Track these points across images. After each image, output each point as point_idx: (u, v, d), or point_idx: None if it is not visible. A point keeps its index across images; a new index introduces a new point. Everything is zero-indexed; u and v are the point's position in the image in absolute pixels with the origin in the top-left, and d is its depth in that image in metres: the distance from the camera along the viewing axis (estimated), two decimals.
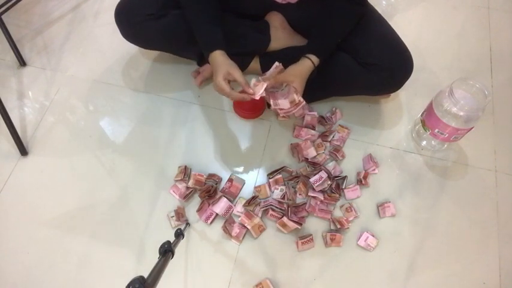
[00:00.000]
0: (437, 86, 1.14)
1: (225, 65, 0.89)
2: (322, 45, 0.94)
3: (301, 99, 0.89)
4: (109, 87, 1.18)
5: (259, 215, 0.96)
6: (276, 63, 0.94)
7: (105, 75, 1.20)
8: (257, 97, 0.88)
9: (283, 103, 0.90)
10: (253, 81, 0.91)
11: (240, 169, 1.04)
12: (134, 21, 1.00)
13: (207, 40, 0.93)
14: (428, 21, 1.33)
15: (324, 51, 0.93)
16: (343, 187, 1.00)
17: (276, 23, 1.06)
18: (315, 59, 0.91)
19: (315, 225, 0.97)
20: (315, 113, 1.09)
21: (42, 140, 1.10)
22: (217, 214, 0.96)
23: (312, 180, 0.96)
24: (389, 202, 0.98)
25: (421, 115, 1.03)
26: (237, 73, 0.89)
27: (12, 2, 1.23)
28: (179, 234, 0.79)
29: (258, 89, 0.88)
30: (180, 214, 0.96)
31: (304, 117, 1.09)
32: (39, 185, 1.03)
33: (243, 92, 0.90)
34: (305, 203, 0.97)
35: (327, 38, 0.94)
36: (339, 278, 0.91)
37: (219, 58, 0.90)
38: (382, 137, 1.09)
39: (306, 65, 0.91)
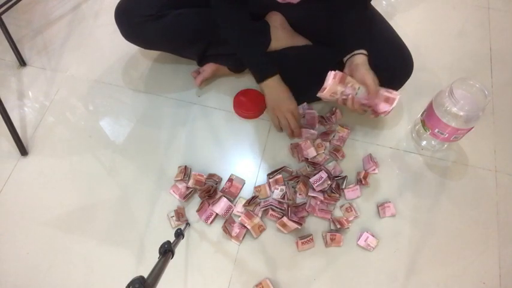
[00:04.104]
0: (437, 86, 1.14)
1: (290, 97, 0.99)
2: (361, 37, 0.93)
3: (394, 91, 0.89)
4: (109, 87, 1.18)
5: (259, 215, 0.96)
6: (334, 72, 0.86)
7: (105, 75, 1.20)
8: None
9: (384, 106, 0.90)
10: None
11: (240, 169, 1.04)
12: (134, 22, 1.00)
13: (263, 64, 0.98)
14: (428, 21, 1.33)
15: (364, 42, 0.92)
16: (343, 187, 0.99)
17: (276, 23, 1.06)
18: (364, 51, 0.90)
19: (315, 225, 0.97)
20: (315, 111, 1.09)
21: (42, 140, 1.10)
22: (217, 214, 0.96)
23: (312, 180, 0.96)
24: (390, 202, 0.98)
25: (421, 115, 1.03)
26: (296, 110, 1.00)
27: (12, 2, 1.23)
28: (179, 234, 0.79)
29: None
30: (180, 214, 0.96)
31: (304, 116, 1.09)
32: (39, 185, 1.03)
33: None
34: (305, 203, 0.97)
35: (359, 30, 0.93)
36: (339, 278, 0.91)
37: (280, 86, 0.98)
38: (382, 137, 1.09)
39: (363, 59, 0.90)
